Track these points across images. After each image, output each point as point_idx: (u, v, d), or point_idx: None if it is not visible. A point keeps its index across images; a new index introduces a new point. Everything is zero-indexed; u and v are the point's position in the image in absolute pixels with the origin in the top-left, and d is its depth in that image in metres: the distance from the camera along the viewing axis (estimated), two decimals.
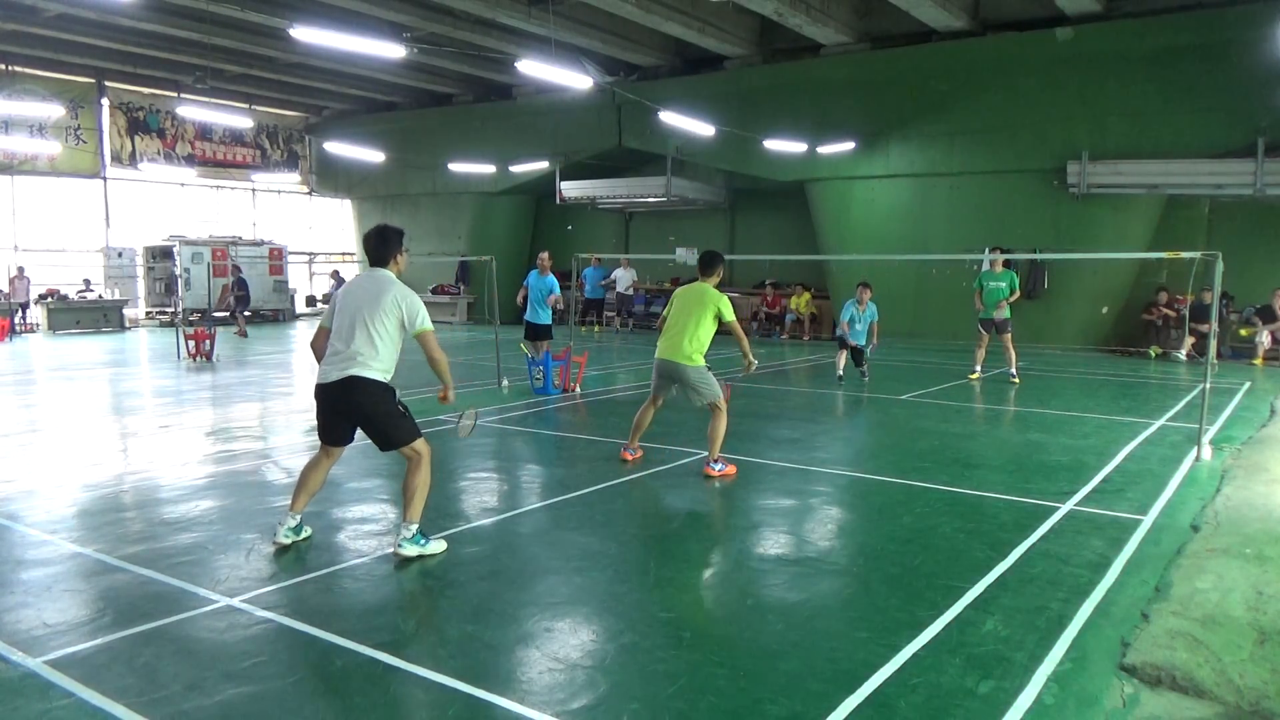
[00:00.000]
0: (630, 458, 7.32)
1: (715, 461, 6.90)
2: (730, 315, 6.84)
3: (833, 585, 4.69)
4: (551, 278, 11.74)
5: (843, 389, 11.97)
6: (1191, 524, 5.70)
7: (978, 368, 12.73)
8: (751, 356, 7.18)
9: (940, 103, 17.76)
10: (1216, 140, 15.35)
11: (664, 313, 7.19)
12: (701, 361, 6.85)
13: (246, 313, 21.04)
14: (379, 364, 4.93)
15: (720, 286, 7.12)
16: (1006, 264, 13.02)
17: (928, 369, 13.91)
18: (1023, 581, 4.64)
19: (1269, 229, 16.09)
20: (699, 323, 6.78)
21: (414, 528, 4.95)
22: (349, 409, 4.96)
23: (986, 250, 16.81)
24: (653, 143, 21.15)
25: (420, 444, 5.05)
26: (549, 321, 11.82)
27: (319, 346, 5.11)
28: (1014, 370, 12.43)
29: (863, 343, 12.55)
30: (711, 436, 6.90)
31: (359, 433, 5.10)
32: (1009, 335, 12.48)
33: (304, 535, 5.25)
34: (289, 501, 5.26)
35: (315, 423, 5.20)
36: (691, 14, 17.15)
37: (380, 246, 5.15)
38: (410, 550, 4.91)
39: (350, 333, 4.92)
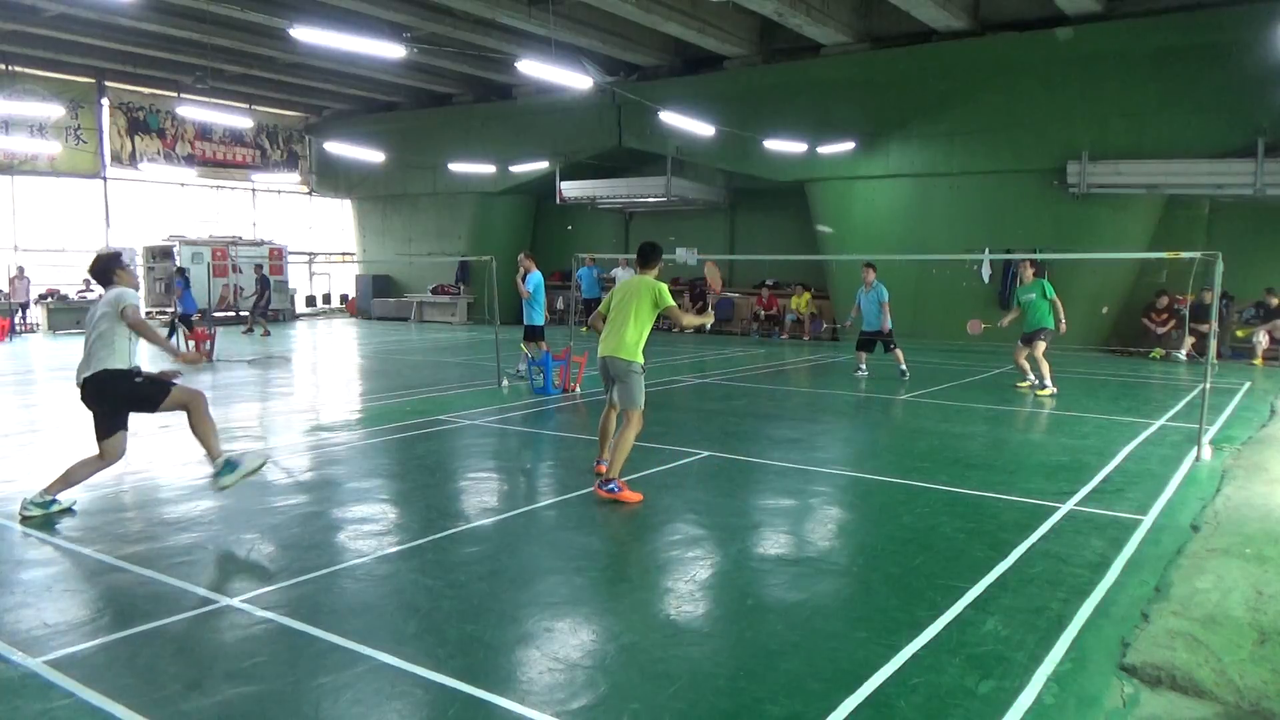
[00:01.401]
0: (605, 470, 6.61)
1: (609, 482, 6.15)
2: (668, 300, 6.38)
3: (833, 585, 4.69)
4: (535, 274, 12.15)
5: (855, 389, 11.97)
6: (1191, 524, 5.70)
7: (1030, 378, 11.69)
8: (697, 318, 6.93)
9: (940, 103, 17.76)
10: (1216, 140, 15.35)
11: (599, 309, 6.70)
12: (639, 358, 6.39)
13: (270, 310, 21.23)
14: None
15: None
16: (1036, 269, 12.04)
17: (928, 369, 13.90)
18: (1023, 581, 4.64)
19: (1269, 229, 16.09)
20: (637, 313, 6.36)
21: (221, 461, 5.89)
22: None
23: (986, 251, 16.90)
24: (653, 143, 21.15)
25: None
26: (541, 322, 12.17)
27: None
28: (1048, 380, 11.40)
29: (877, 327, 12.63)
30: (617, 447, 6.23)
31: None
32: (1040, 346, 11.41)
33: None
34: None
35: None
36: (691, 14, 17.16)
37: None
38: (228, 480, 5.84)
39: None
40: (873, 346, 13.02)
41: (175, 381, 6.04)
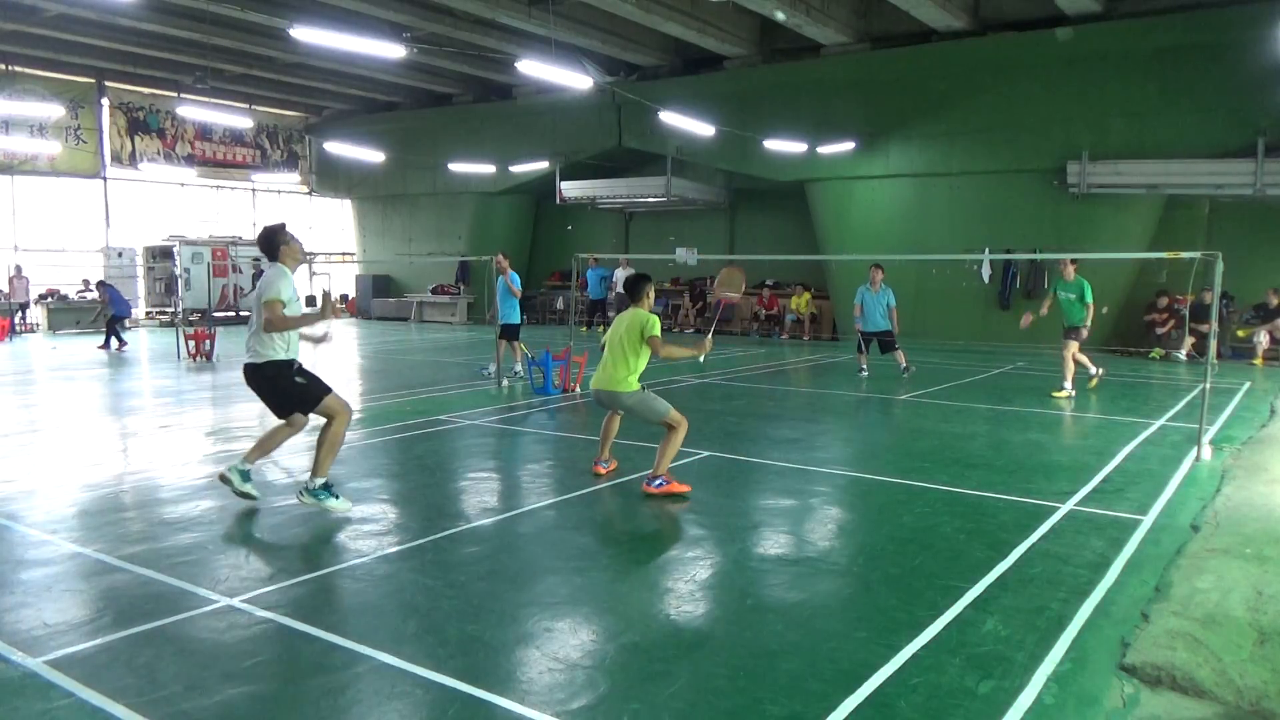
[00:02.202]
0: (603, 471, 6.85)
1: (656, 478, 6.29)
2: (653, 330, 6.36)
3: (833, 585, 4.69)
4: (513, 274, 12.35)
5: (856, 389, 11.98)
6: (1191, 524, 5.70)
7: (1093, 370, 11.67)
8: (682, 351, 6.78)
9: (940, 103, 17.76)
10: (1216, 140, 15.36)
11: (601, 342, 6.84)
12: (636, 385, 6.47)
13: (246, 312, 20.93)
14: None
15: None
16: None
17: (928, 369, 13.90)
18: (1023, 581, 4.64)
19: (1269, 229, 16.10)
20: (628, 348, 6.44)
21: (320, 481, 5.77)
22: None
23: (986, 251, 16.90)
24: (653, 143, 21.16)
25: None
26: (519, 320, 12.41)
27: None
28: (1067, 382, 11.24)
29: (880, 329, 12.67)
30: (663, 449, 6.37)
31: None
32: (1075, 345, 11.24)
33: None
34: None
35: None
36: (691, 14, 17.16)
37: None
38: (307, 499, 5.73)
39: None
40: (870, 346, 13.05)
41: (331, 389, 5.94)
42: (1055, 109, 16.60)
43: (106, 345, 16.88)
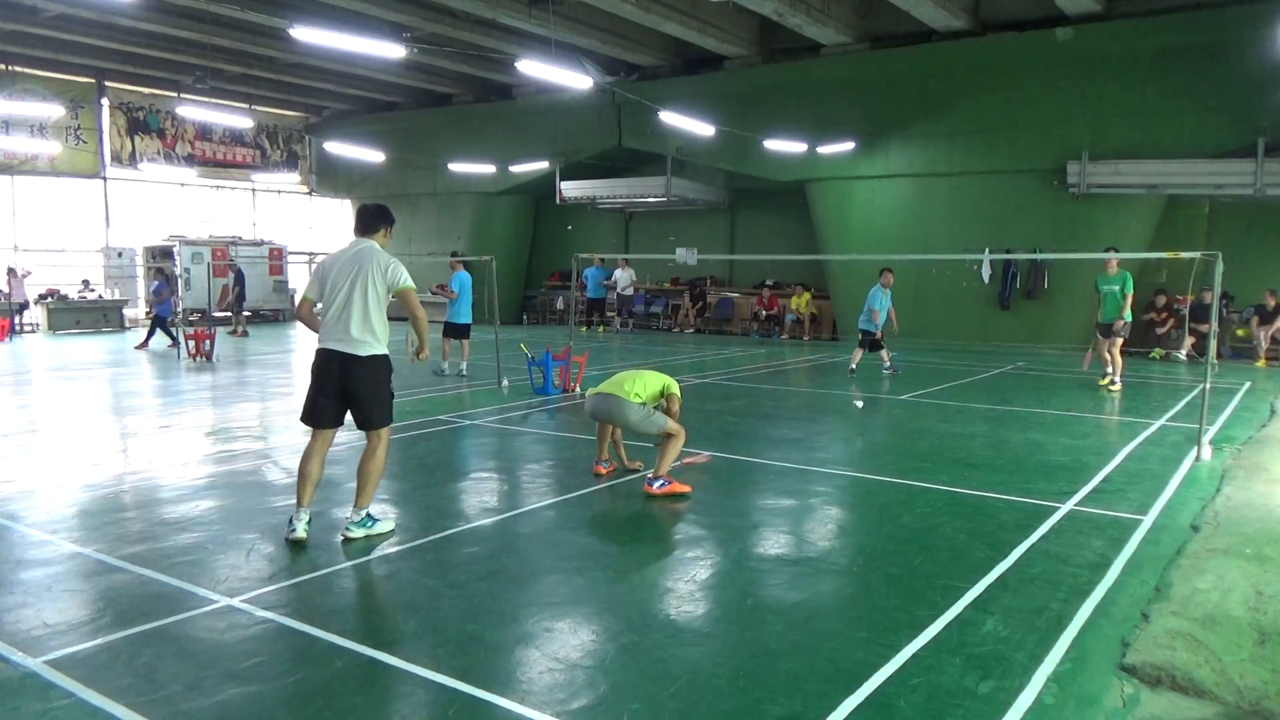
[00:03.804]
0: (604, 471, 6.88)
1: (657, 479, 6.27)
2: (674, 390, 6.57)
3: (833, 585, 4.69)
4: (461, 273, 12.90)
5: (848, 388, 11.98)
6: (1191, 524, 5.70)
7: (1108, 370, 11.91)
8: (677, 429, 6.52)
9: (940, 103, 17.76)
10: (1216, 140, 15.35)
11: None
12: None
13: (246, 312, 20.72)
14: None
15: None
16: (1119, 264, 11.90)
17: (928, 369, 13.91)
18: (1023, 581, 4.64)
19: (1269, 229, 16.09)
20: (650, 388, 6.49)
21: (364, 512, 5.28)
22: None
23: (987, 251, 16.89)
24: (653, 143, 21.15)
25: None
26: (468, 320, 12.84)
27: None
28: (1116, 377, 11.76)
29: (870, 328, 12.87)
30: (663, 453, 6.36)
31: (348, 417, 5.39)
32: (1121, 340, 11.71)
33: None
34: (292, 499, 5.26)
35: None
36: (691, 14, 17.15)
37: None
38: (358, 532, 5.22)
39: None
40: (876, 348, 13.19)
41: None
42: (1055, 109, 16.59)
43: (146, 344, 17.25)
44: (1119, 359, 11.72)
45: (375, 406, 5.15)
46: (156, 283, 18.08)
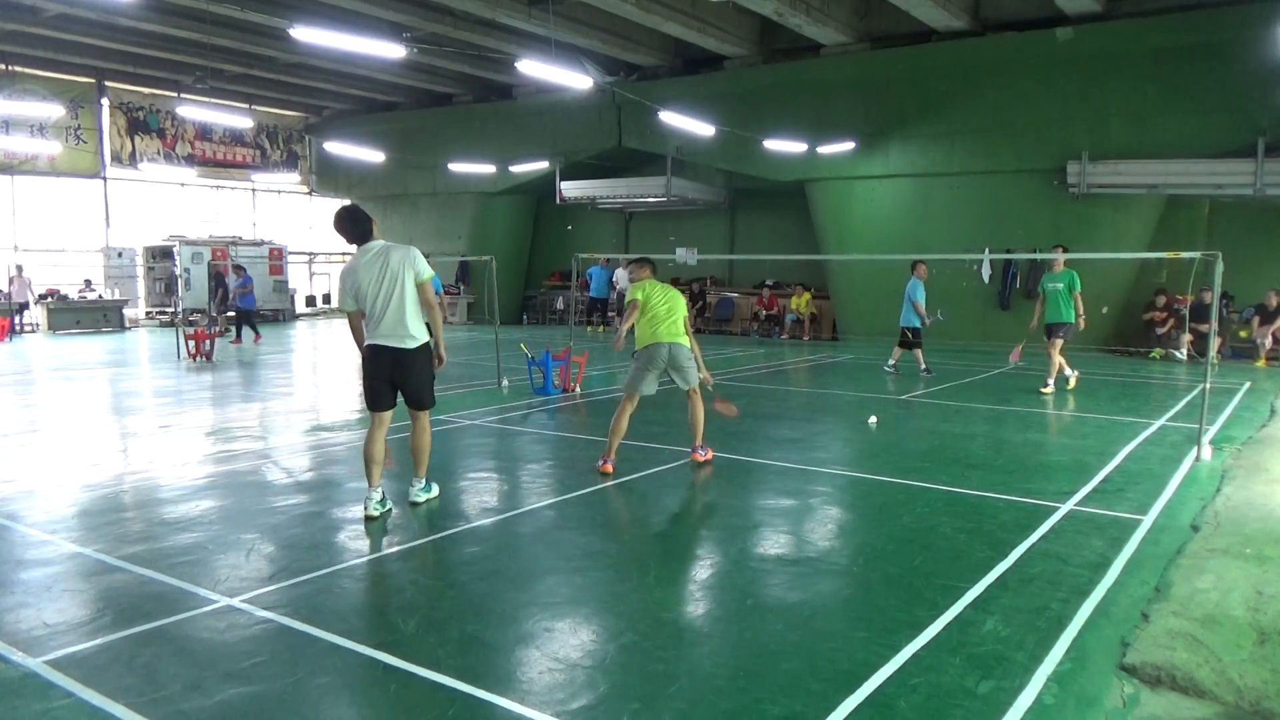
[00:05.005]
0: (611, 469, 6.89)
1: (700, 446, 7.22)
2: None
3: (833, 585, 4.69)
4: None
5: (885, 389, 12.04)
6: (1191, 524, 5.70)
7: (1069, 372, 11.68)
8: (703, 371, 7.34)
9: (940, 103, 17.75)
10: (1216, 140, 15.35)
11: (639, 301, 6.92)
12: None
13: (229, 313, 19.49)
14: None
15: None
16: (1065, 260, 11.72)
17: None
18: (1023, 581, 4.64)
19: (1269, 229, 16.09)
20: (684, 315, 7.07)
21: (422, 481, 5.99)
22: None
23: (987, 251, 16.89)
24: (653, 143, 21.15)
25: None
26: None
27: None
28: (1050, 380, 11.40)
29: (916, 324, 12.99)
30: (694, 420, 7.20)
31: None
32: (1061, 342, 11.39)
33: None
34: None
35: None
36: (691, 14, 17.15)
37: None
38: (422, 497, 5.97)
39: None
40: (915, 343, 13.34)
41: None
42: (1055, 109, 16.59)
43: (239, 338, 18.05)
44: (1056, 360, 11.37)
45: (423, 388, 5.74)
46: (240, 278, 18.36)
